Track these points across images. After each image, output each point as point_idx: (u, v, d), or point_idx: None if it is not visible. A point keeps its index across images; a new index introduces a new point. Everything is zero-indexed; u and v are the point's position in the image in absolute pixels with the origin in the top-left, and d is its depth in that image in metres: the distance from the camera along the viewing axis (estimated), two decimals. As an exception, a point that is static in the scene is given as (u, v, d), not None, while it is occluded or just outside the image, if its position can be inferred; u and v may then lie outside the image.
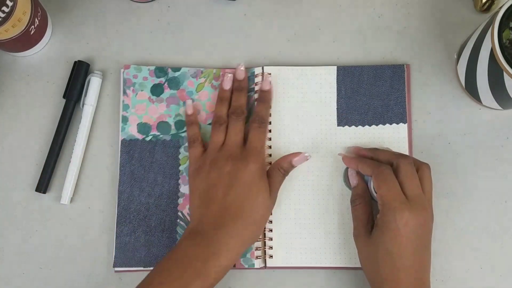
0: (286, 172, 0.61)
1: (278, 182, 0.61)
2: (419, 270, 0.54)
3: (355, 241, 0.59)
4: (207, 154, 0.61)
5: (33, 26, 0.61)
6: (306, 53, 0.66)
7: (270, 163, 0.63)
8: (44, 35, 0.65)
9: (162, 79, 0.65)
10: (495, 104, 0.62)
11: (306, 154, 0.61)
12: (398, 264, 0.54)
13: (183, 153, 0.64)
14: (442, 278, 0.62)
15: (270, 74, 0.64)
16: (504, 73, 0.54)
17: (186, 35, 0.66)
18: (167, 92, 0.64)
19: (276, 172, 0.61)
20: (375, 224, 0.56)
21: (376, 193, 0.57)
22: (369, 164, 0.58)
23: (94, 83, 0.64)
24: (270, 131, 0.64)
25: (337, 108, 0.64)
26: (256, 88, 0.64)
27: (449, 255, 0.62)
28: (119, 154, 0.64)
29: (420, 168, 0.57)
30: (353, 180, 0.61)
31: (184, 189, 0.63)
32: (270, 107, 0.64)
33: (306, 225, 0.62)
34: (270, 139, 0.64)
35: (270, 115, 0.64)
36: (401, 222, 0.54)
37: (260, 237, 0.62)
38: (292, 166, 0.61)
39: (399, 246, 0.54)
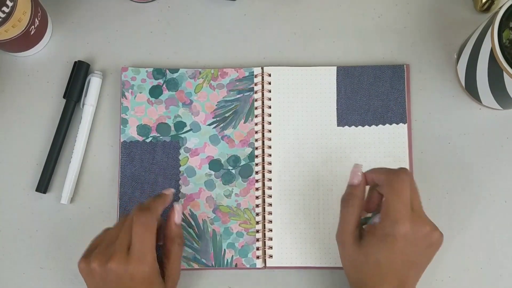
0: (181, 240, 0.58)
1: (179, 256, 0.58)
2: (401, 283, 0.53)
3: (338, 243, 0.56)
4: None
5: (33, 26, 0.61)
6: (306, 53, 0.66)
7: (270, 163, 0.63)
8: (44, 35, 0.65)
9: (161, 81, 0.65)
10: (495, 104, 0.62)
11: (176, 204, 0.58)
12: (385, 276, 0.52)
13: (183, 154, 0.64)
14: (442, 278, 0.62)
15: (270, 74, 0.64)
16: (504, 73, 0.54)
17: (186, 35, 0.66)
18: (166, 93, 0.64)
19: (174, 247, 0.57)
20: (370, 232, 0.53)
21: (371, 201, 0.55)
22: (382, 171, 0.54)
23: (94, 83, 0.64)
24: (270, 131, 0.64)
25: (337, 108, 0.64)
26: (256, 88, 0.64)
27: (449, 255, 0.62)
28: (120, 156, 0.64)
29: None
30: (355, 179, 0.55)
31: (185, 189, 0.63)
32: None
33: (306, 225, 0.62)
34: (270, 139, 0.64)
35: (270, 115, 0.64)
36: (400, 235, 0.51)
37: (260, 236, 0.62)
38: (178, 228, 0.58)
39: (392, 259, 0.52)
